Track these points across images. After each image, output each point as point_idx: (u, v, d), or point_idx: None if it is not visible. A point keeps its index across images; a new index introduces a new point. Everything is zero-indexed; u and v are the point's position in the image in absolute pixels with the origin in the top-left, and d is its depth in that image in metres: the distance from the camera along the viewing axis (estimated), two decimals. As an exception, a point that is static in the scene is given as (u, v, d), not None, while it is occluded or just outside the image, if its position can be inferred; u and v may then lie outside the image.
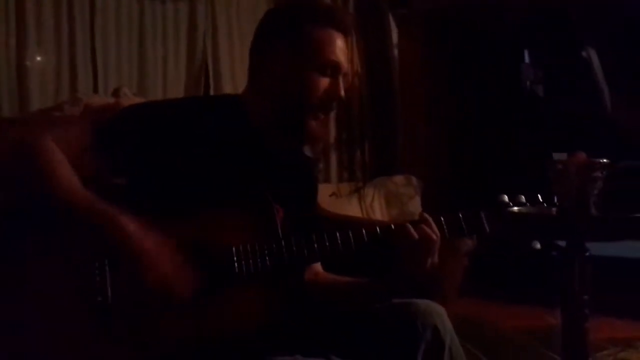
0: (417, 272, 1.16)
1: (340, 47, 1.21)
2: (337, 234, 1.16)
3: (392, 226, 1.18)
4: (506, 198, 1.23)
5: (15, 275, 1.09)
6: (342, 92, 1.22)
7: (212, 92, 3.38)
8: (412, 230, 1.15)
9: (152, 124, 1.19)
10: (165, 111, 1.24)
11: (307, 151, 1.43)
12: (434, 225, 1.17)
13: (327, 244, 1.16)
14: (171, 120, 1.20)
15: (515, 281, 3.37)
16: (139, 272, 1.06)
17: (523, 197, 1.23)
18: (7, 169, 1.12)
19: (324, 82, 1.21)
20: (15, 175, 1.11)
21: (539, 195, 1.24)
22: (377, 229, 1.17)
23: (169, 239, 1.09)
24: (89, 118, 1.23)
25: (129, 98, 2.44)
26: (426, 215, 1.18)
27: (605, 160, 1.41)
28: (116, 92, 2.60)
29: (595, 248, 1.58)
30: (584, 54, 3.80)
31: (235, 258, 1.11)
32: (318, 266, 1.36)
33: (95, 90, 3.03)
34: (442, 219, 1.18)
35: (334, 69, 1.21)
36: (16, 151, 1.11)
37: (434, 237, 1.15)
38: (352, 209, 3.44)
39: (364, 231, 1.17)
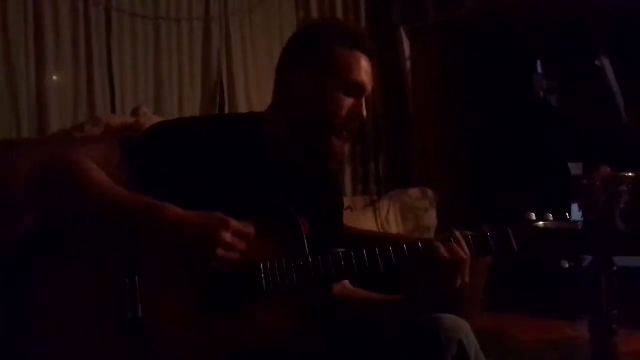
0: (447, 291, 1.16)
1: (365, 69, 1.25)
2: (365, 253, 1.16)
3: (420, 244, 1.17)
4: (533, 216, 1.22)
5: (49, 292, 1.10)
6: (365, 113, 1.25)
7: (227, 109, 3.41)
8: (442, 249, 1.15)
9: (178, 141, 1.22)
10: (190, 129, 1.27)
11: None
12: (464, 244, 1.17)
13: (354, 262, 1.16)
14: (196, 138, 1.23)
15: (536, 294, 3.35)
16: (182, 237, 1.05)
17: (551, 215, 1.22)
18: (43, 187, 1.14)
19: (348, 102, 1.24)
20: (52, 191, 1.13)
21: (567, 214, 1.23)
22: (405, 247, 1.17)
23: (181, 281, 1.09)
24: (113, 137, 1.26)
25: (149, 117, 2.46)
26: (457, 234, 1.18)
27: (630, 174, 1.41)
28: (136, 111, 2.62)
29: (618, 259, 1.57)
30: (597, 63, 3.79)
31: (263, 275, 1.12)
32: (346, 280, 1.37)
33: (113, 109, 3.05)
34: (470, 237, 1.18)
35: (358, 90, 1.24)
36: (52, 168, 1.14)
37: (465, 256, 1.15)
38: (367, 222, 3.44)
39: (391, 249, 1.17)
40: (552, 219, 1.21)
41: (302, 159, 1.30)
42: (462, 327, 1.20)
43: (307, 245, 1.16)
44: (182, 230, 1.05)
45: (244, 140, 1.27)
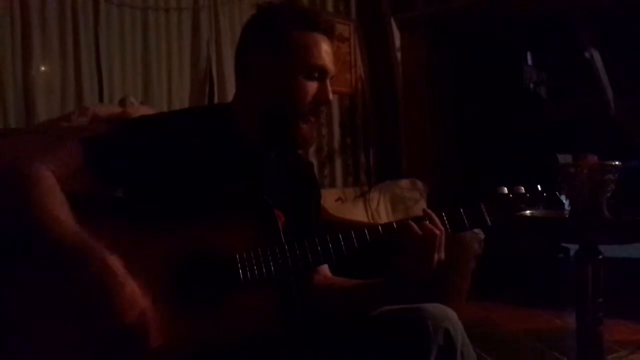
0: (425, 269, 1.16)
1: (325, 51, 1.23)
2: (340, 235, 1.16)
3: (394, 224, 1.18)
4: (505, 190, 1.24)
5: (18, 290, 1.06)
6: (330, 95, 1.23)
7: (216, 99, 3.39)
8: (415, 226, 1.16)
9: (147, 136, 1.19)
10: (160, 124, 1.24)
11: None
12: (437, 220, 1.18)
13: (331, 246, 1.16)
14: (166, 133, 1.20)
15: (524, 284, 3.38)
16: (114, 313, 1.01)
17: (522, 188, 1.24)
18: None
19: (312, 86, 1.22)
20: (2, 202, 1.06)
21: (538, 186, 1.25)
22: (380, 227, 1.18)
23: (154, 278, 1.06)
24: (76, 136, 1.19)
25: (136, 107, 2.44)
26: (429, 211, 1.19)
27: (617, 163, 1.41)
28: (123, 102, 2.60)
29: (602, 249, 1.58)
30: (586, 54, 3.81)
31: (239, 265, 1.11)
32: (326, 270, 1.36)
33: (101, 99, 3.03)
34: (444, 213, 1.19)
35: (321, 73, 1.23)
36: (5, 177, 1.07)
37: (437, 231, 1.16)
38: (357, 213, 3.45)
39: (366, 230, 1.17)
40: (523, 191, 1.23)
41: (275, 148, 1.28)
42: (449, 316, 1.20)
43: (282, 234, 1.15)
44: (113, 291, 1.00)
45: (213, 134, 1.24)
